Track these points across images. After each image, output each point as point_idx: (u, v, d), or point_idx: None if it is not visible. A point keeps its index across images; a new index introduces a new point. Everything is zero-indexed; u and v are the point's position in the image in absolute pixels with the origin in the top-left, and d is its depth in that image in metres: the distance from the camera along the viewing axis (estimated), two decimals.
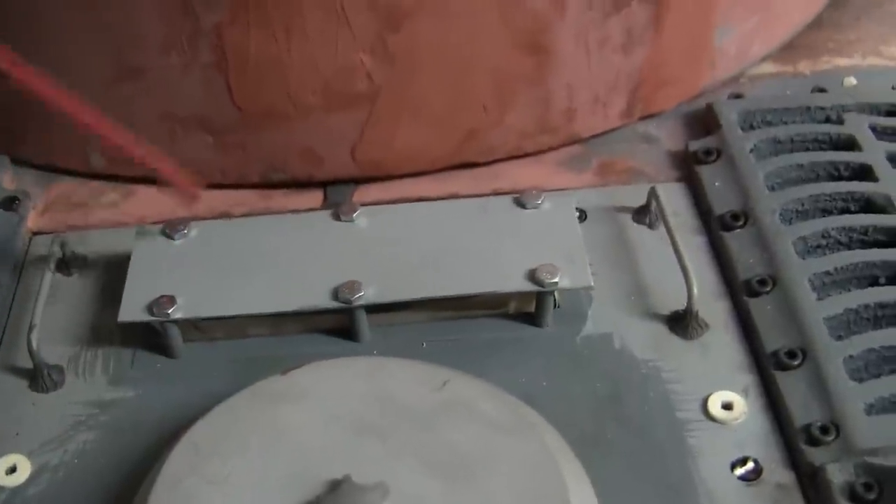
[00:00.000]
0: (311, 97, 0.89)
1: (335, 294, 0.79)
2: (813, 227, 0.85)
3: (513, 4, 0.87)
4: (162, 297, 0.79)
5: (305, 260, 0.82)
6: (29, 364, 0.80)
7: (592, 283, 0.80)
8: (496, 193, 0.90)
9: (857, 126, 0.93)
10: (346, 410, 0.70)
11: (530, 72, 0.91)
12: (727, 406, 0.76)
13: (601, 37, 0.91)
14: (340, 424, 0.70)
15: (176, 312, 0.79)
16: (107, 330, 0.84)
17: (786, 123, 0.95)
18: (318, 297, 0.79)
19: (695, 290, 0.80)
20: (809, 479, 0.71)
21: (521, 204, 0.85)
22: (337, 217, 0.85)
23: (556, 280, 0.78)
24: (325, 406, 0.71)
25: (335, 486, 0.65)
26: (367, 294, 0.79)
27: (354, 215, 0.85)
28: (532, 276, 0.79)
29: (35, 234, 0.93)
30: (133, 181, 0.96)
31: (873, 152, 0.90)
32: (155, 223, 0.87)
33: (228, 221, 0.88)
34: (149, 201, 0.95)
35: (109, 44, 0.89)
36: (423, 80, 0.89)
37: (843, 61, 1.06)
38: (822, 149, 0.93)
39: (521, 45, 0.89)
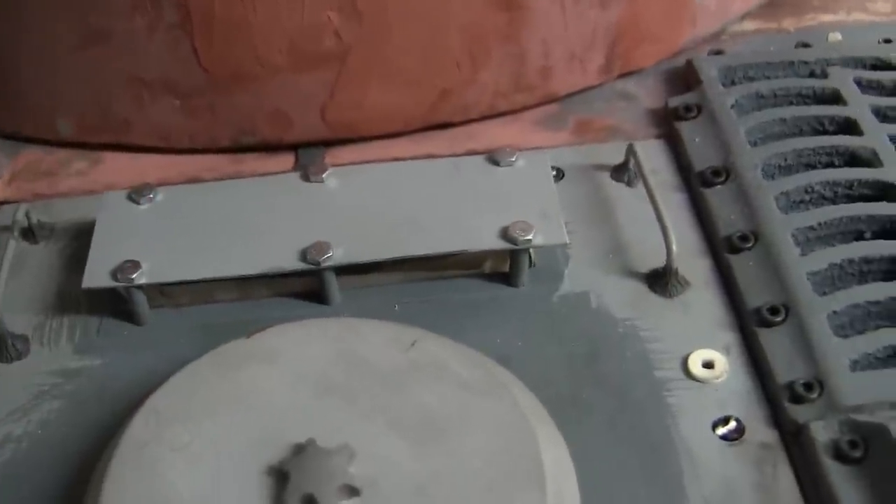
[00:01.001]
0: (278, 57, 0.86)
1: (303, 255, 0.77)
2: (796, 181, 0.83)
3: None
4: (126, 262, 0.77)
5: (273, 222, 0.80)
6: None
7: (567, 240, 0.78)
8: (471, 154, 0.88)
9: (842, 80, 0.91)
10: (312, 372, 0.69)
11: (504, 27, 0.89)
12: (708, 364, 0.74)
13: None
14: (306, 387, 0.68)
15: (140, 278, 0.77)
16: (73, 298, 0.82)
17: (768, 78, 0.93)
18: (286, 259, 0.77)
19: (674, 247, 0.78)
20: (793, 438, 0.69)
21: (494, 162, 0.83)
22: (306, 178, 0.83)
23: (529, 237, 0.76)
24: (290, 368, 0.69)
25: (299, 450, 0.63)
26: (336, 255, 0.77)
27: (324, 176, 0.83)
28: (505, 233, 0.77)
29: (1, 203, 0.91)
30: (101, 148, 0.94)
31: (858, 106, 0.89)
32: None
33: (196, 186, 0.86)
34: (117, 169, 0.93)
35: (73, 7, 0.86)
36: (394, 37, 0.87)
37: (827, 17, 1.05)
38: (805, 103, 0.91)
39: None
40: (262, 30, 0.85)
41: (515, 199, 0.80)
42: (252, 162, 0.92)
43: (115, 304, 0.80)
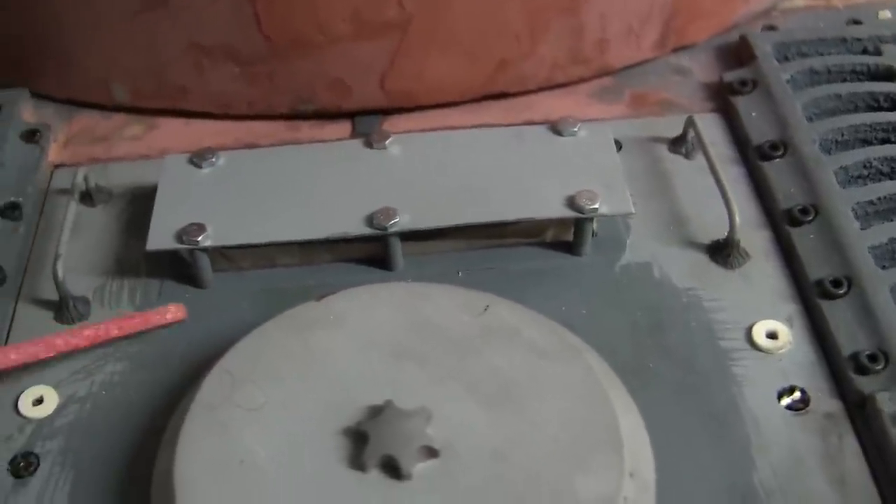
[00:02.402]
0: (340, 25, 0.86)
1: (369, 221, 0.77)
2: (854, 156, 0.83)
3: None
4: (191, 224, 0.77)
5: (337, 187, 0.80)
6: (54, 296, 0.78)
7: (633, 210, 0.78)
8: (528, 124, 0.88)
9: None
10: (384, 336, 0.69)
11: (563, 1, 0.88)
12: (772, 335, 0.74)
13: None
14: (378, 350, 0.68)
15: (206, 240, 0.77)
16: (133, 261, 0.82)
17: (822, 55, 0.93)
18: (352, 224, 0.77)
19: (737, 219, 0.78)
20: (858, 409, 0.70)
21: (557, 132, 0.83)
22: (369, 145, 0.83)
23: (596, 206, 0.77)
24: (362, 332, 0.69)
25: (376, 411, 0.64)
26: (403, 221, 0.77)
27: (387, 143, 0.83)
28: (571, 202, 0.77)
29: (57, 167, 0.91)
30: (156, 114, 0.94)
31: None
32: None
33: (257, 151, 0.86)
34: (172, 134, 0.93)
35: None
36: (456, 7, 0.87)
37: None
38: (859, 80, 0.91)
39: None
40: None
41: (579, 168, 0.80)
42: (308, 129, 0.93)
43: (175, 267, 0.81)
